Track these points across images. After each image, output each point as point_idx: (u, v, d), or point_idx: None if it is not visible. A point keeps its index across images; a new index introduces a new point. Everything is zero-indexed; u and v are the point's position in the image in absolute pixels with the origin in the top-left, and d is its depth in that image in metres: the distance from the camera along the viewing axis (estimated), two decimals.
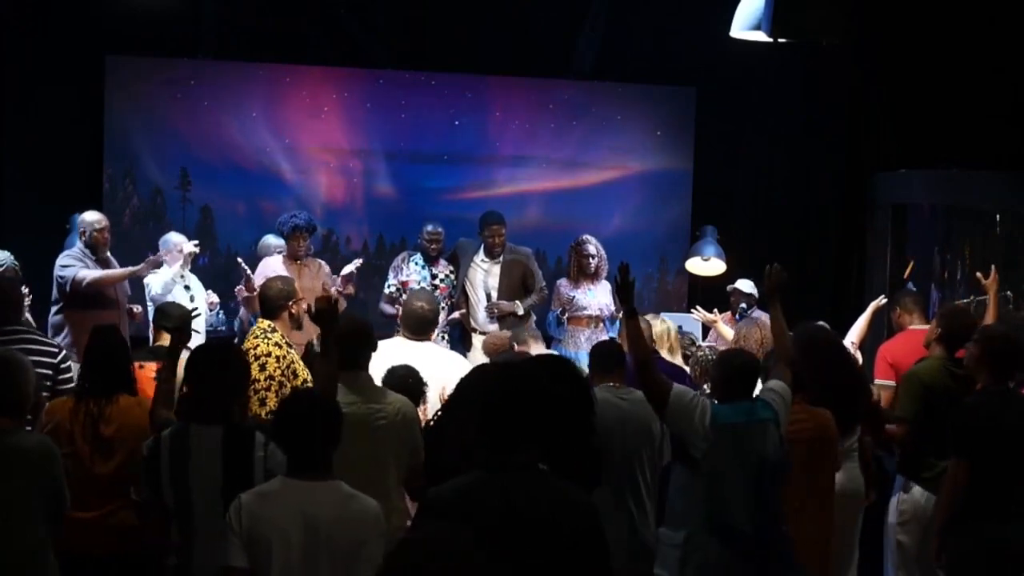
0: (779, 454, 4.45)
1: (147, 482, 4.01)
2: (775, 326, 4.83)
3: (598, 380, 5.07)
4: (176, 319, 5.68)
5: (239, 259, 7.67)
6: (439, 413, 4.67)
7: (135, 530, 4.63)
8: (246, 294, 7.42)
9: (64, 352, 5.54)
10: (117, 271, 7.25)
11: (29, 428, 4.83)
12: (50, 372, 5.25)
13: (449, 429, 4.55)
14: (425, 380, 5.16)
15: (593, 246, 8.21)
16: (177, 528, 3.95)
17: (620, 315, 5.44)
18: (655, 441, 4.92)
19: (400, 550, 2.30)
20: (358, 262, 7.68)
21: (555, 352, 7.06)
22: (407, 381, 5.01)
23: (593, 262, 8.16)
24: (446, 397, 4.85)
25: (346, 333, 4.70)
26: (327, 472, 3.56)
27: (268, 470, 3.84)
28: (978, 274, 6.51)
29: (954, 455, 4.99)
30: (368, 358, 4.76)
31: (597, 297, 8.13)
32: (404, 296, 8.02)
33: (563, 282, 8.26)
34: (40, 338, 5.58)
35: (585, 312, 8.10)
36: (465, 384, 4.71)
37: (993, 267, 6.46)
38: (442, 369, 5.48)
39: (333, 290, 7.48)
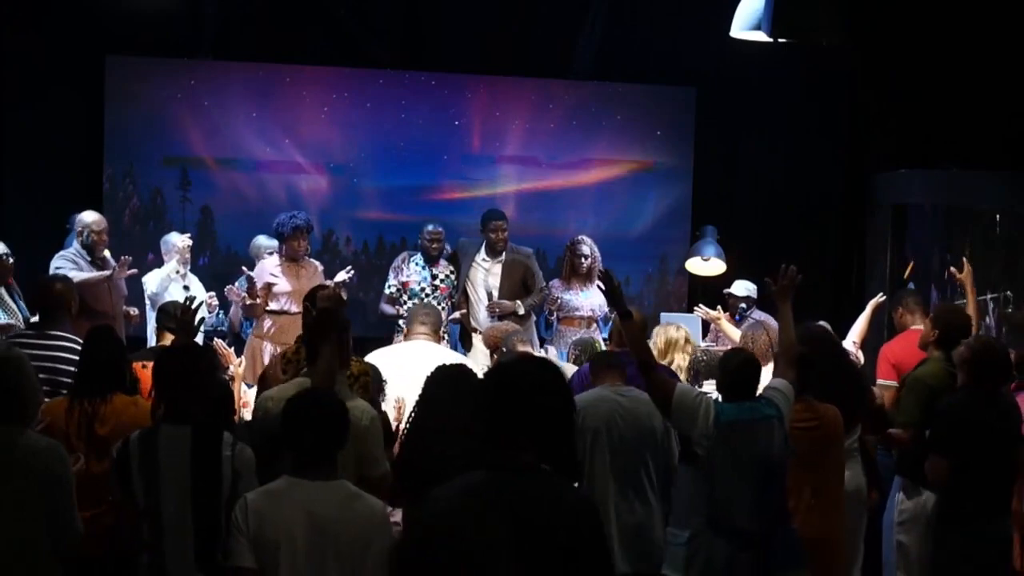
0: (783, 452, 4.45)
1: (119, 482, 4.01)
2: (782, 327, 4.81)
3: (598, 381, 5.08)
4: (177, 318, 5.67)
5: (244, 268, 7.68)
6: (413, 414, 4.64)
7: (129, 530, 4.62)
8: (249, 301, 7.40)
9: None
10: (95, 274, 7.23)
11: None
12: None
13: (427, 428, 4.54)
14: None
15: (587, 247, 8.20)
16: (148, 527, 3.96)
17: (614, 316, 5.43)
18: (657, 439, 4.90)
19: (405, 533, 2.33)
20: (350, 269, 7.65)
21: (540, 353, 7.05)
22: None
23: (586, 262, 8.13)
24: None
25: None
26: (332, 472, 3.59)
27: (235, 469, 3.89)
28: (952, 269, 6.63)
29: (934, 452, 5.02)
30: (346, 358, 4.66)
31: (590, 298, 8.10)
32: (404, 296, 8.06)
33: (555, 283, 8.26)
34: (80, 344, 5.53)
35: (577, 313, 8.09)
36: (431, 384, 4.70)
37: (965, 259, 6.58)
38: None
39: None
